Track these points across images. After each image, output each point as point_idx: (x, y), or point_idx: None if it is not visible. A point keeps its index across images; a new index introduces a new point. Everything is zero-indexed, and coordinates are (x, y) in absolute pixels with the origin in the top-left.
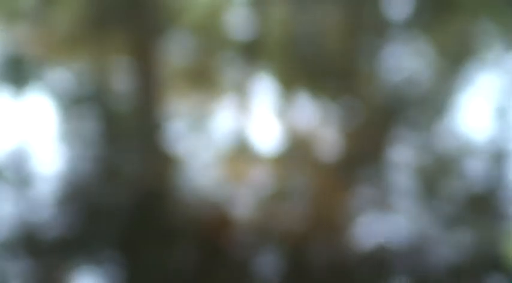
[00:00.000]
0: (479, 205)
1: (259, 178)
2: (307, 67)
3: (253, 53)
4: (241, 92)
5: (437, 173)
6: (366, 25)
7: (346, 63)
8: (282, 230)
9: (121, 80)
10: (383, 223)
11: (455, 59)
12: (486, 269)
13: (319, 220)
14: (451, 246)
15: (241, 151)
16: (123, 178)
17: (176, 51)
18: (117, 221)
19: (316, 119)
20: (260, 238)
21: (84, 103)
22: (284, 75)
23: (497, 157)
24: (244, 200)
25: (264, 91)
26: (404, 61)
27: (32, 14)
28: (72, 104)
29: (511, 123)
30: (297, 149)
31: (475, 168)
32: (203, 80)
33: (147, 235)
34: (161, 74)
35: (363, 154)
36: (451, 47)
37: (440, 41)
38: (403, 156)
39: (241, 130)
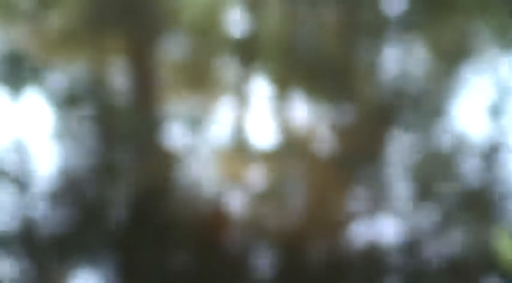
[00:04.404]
0: (475, 205)
1: (257, 177)
2: (304, 67)
3: (250, 53)
4: (239, 91)
5: (433, 172)
6: (363, 25)
7: (343, 63)
8: (278, 227)
9: (119, 79)
10: (378, 222)
11: (452, 59)
12: (482, 269)
13: (316, 218)
14: (447, 245)
15: (238, 150)
16: (121, 177)
17: (174, 51)
18: (116, 219)
19: (313, 118)
20: (257, 235)
21: (83, 102)
22: (281, 75)
23: (492, 157)
24: (242, 198)
25: (261, 90)
26: (402, 61)
27: (31, 14)
28: (71, 103)
29: (507, 123)
30: (294, 148)
31: (471, 168)
32: (201, 79)
33: (145, 233)
34: (159, 73)
35: (359, 153)
36: (448, 47)
37: (437, 40)
38: (399, 155)
39: (239, 129)
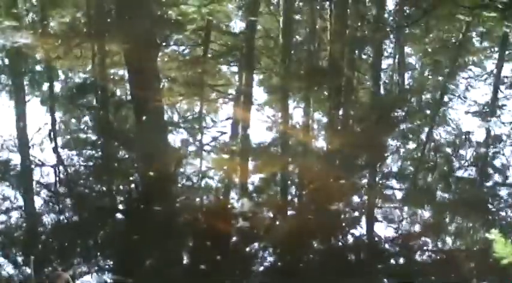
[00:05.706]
0: (473, 206)
1: (256, 176)
2: (303, 67)
3: (250, 53)
4: (239, 91)
5: (430, 173)
6: (362, 26)
7: (341, 64)
8: (277, 226)
9: (120, 78)
10: (377, 221)
11: (449, 57)
12: (481, 270)
13: (314, 216)
14: (445, 246)
15: (237, 148)
16: (122, 176)
17: (175, 52)
18: (116, 217)
19: (311, 118)
20: (256, 233)
21: (84, 101)
22: (280, 75)
23: (490, 158)
24: (242, 196)
25: (260, 92)
26: (399, 61)
27: (33, 16)
28: (72, 102)
29: (504, 123)
30: (293, 146)
31: (469, 169)
32: (201, 80)
33: (145, 231)
34: (159, 73)
35: (358, 152)
36: (445, 45)
37: (434, 39)
38: (397, 155)
39: (238, 128)
